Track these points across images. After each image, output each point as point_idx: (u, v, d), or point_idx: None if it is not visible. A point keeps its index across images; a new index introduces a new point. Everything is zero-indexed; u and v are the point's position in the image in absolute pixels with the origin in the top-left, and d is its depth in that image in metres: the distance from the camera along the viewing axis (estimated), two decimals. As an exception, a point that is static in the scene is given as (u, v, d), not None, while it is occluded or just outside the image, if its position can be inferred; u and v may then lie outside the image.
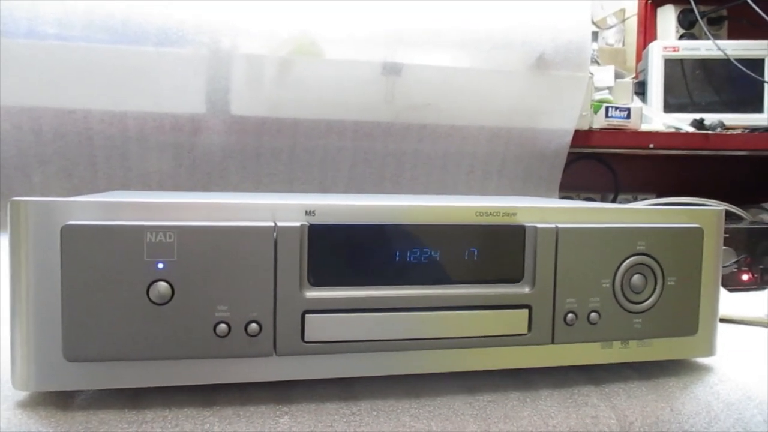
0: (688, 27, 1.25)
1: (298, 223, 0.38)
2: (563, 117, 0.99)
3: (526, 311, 0.42)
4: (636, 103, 1.09)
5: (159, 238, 0.36)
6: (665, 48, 1.17)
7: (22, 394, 0.38)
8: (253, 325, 0.37)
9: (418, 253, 0.40)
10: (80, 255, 0.35)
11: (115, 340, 0.36)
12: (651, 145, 1.04)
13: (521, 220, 0.42)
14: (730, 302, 0.67)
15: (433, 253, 0.40)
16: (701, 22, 1.18)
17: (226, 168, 0.89)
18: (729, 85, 1.18)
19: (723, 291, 0.49)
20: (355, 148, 0.93)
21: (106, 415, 0.36)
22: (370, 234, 0.39)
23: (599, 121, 1.02)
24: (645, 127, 1.06)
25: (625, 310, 0.43)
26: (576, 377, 0.45)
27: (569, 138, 1.00)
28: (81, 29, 0.80)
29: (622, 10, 1.35)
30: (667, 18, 1.26)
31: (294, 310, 0.38)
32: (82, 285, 0.35)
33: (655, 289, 0.44)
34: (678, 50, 1.17)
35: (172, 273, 0.36)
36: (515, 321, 0.41)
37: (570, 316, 0.42)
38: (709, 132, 1.08)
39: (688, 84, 1.18)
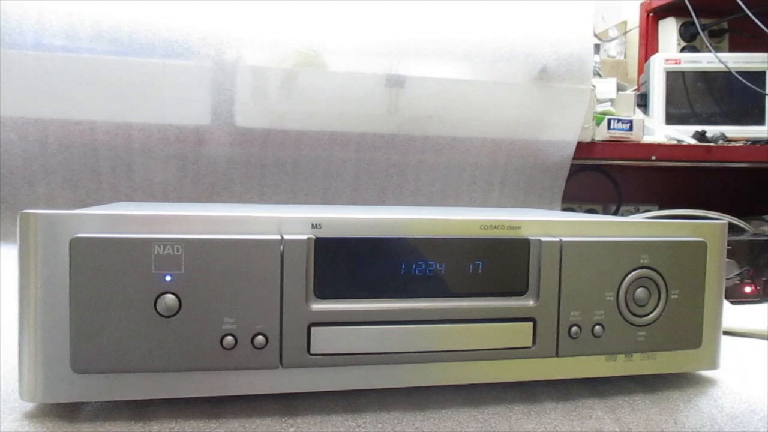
0: (689, 39, 1.26)
1: (304, 236, 0.38)
2: (566, 129, 1.00)
3: (530, 324, 0.42)
4: (638, 115, 1.10)
5: (167, 250, 0.36)
6: (667, 60, 1.18)
7: (29, 406, 0.38)
8: (260, 338, 0.37)
9: (423, 266, 0.40)
10: (89, 267, 0.35)
11: (123, 352, 0.36)
12: (653, 157, 1.05)
13: (526, 233, 0.42)
14: (733, 315, 0.67)
15: (438, 266, 0.41)
16: (702, 34, 1.19)
17: (230, 179, 0.90)
18: (730, 97, 1.18)
19: (726, 304, 0.49)
20: (359, 159, 0.93)
21: (112, 427, 0.36)
22: (376, 247, 0.40)
23: (601, 133, 1.02)
24: (647, 139, 1.07)
25: (629, 323, 0.44)
26: (580, 390, 0.45)
27: (572, 150, 1.01)
28: (88, 41, 0.81)
29: (624, 23, 1.36)
30: (669, 30, 1.27)
31: (300, 323, 0.38)
32: (90, 297, 0.35)
33: (658, 302, 0.44)
34: (680, 62, 1.18)
35: (179, 285, 0.36)
36: (519, 334, 0.42)
37: (574, 329, 0.42)
38: (711, 144, 1.09)
39: (690, 96, 1.19)
